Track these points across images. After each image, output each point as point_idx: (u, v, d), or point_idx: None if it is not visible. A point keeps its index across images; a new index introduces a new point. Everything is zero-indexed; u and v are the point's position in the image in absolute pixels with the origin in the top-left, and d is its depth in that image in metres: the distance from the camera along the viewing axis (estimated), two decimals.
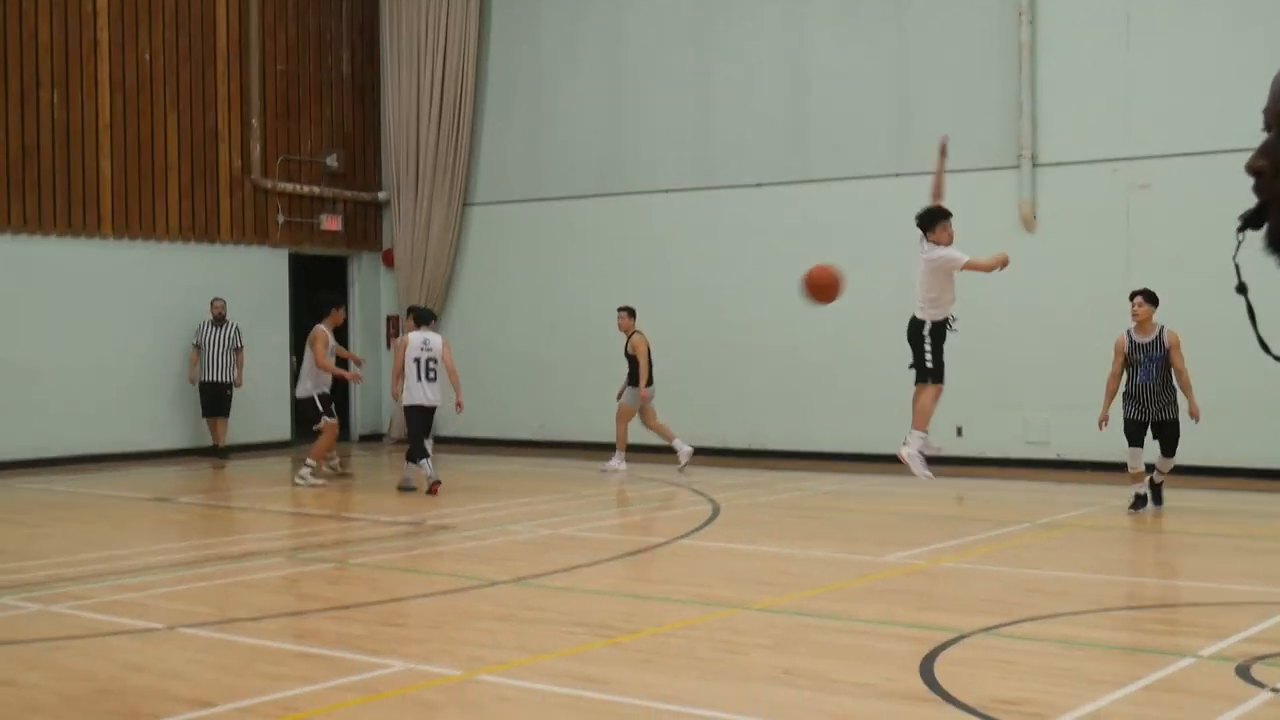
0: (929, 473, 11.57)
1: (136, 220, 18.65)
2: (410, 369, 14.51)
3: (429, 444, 14.66)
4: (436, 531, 11.88)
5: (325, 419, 15.69)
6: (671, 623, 7.98)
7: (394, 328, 21.93)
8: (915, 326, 11.60)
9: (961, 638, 7.43)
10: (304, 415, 16.24)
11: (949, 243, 11.44)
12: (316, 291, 23.66)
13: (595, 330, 19.00)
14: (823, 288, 10.79)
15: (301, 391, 15.91)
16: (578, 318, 19.75)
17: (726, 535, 11.56)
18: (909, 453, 11.47)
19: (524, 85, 20.46)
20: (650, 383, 16.46)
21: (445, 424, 21.05)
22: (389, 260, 21.78)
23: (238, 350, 18.62)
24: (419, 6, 20.79)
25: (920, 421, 11.54)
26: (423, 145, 20.82)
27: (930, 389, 11.55)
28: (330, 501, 14.35)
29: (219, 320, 18.63)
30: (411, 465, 14.59)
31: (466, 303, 21.07)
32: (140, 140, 18.70)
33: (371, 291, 22.03)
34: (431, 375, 14.53)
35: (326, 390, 15.89)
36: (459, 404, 14.95)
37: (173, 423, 18.80)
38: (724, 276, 18.58)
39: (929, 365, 11.53)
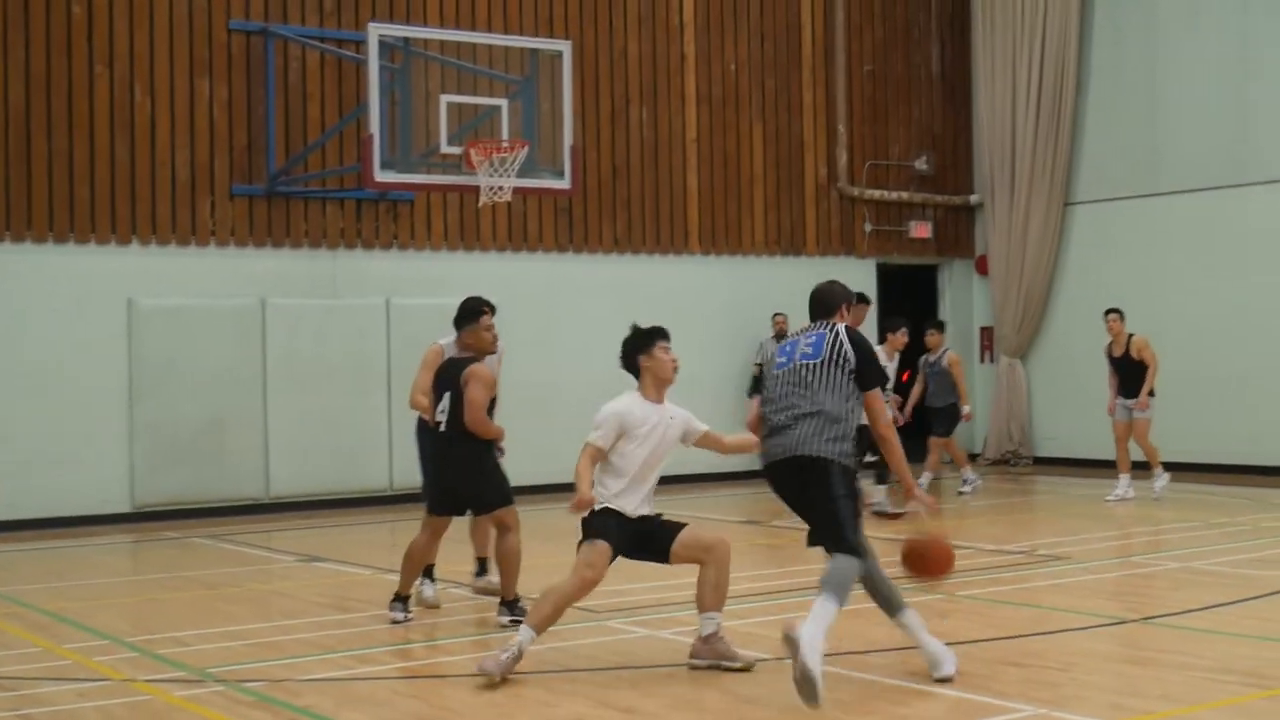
0: None
1: (723, 235, 19.31)
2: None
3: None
4: (1049, 562, 11.51)
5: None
6: None
7: (988, 340, 21.63)
8: None
9: None
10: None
11: None
12: (901, 303, 24.05)
13: (1215, 343, 17.95)
14: (933, 561, 8.86)
15: None
16: (1188, 327, 18.71)
17: None
18: None
19: (1134, 68, 19.63)
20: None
21: (1043, 446, 20.58)
22: (982, 268, 21.49)
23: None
24: None
25: None
26: (1019, 141, 20.41)
27: None
28: (927, 528, 14.20)
29: (779, 337, 18.74)
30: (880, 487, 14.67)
31: (1067, 312, 20.44)
32: (726, 153, 19.36)
33: (964, 302, 21.81)
34: None
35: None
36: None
37: None
38: None
39: None
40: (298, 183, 16.47)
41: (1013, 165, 20.56)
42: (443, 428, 9.02)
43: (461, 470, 9.03)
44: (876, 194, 20.57)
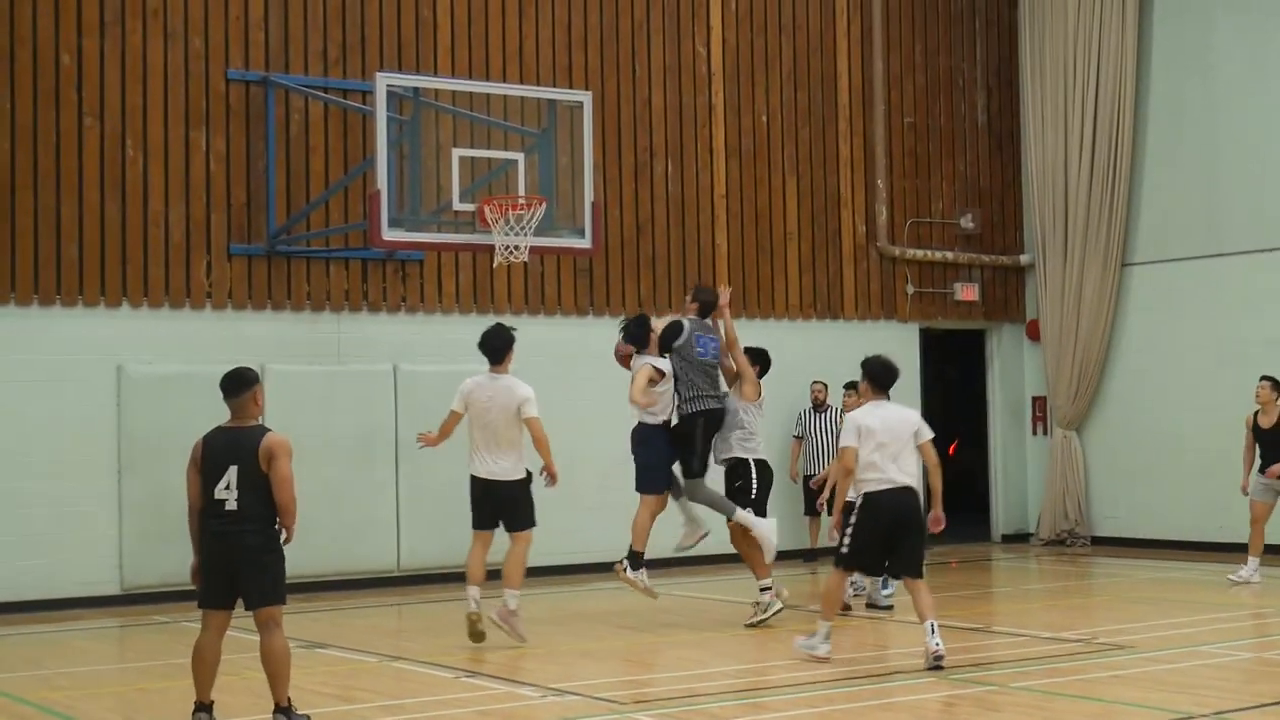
0: None
1: (754, 297, 19.34)
2: None
3: None
4: (1110, 651, 11.43)
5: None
6: None
7: (1040, 410, 21.58)
8: None
9: None
10: None
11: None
12: (947, 370, 24.08)
13: None
14: None
15: None
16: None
17: None
18: None
19: (1195, 120, 19.68)
20: None
21: (1102, 525, 20.47)
22: (1034, 333, 21.47)
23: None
24: (1064, 39, 20.49)
25: None
26: (1072, 198, 20.43)
27: None
28: (975, 612, 14.17)
29: (819, 406, 18.72)
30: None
31: (1125, 381, 20.39)
32: (758, 210, 19.42)
33: (1014, 369, 21.78)
34: None
35: None
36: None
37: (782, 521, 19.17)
38: None
39: None
40: (299, 241, 16.55)
41: (1066, 223, 20.56)
42: None
43: None
44: (919, 254, 20.59)
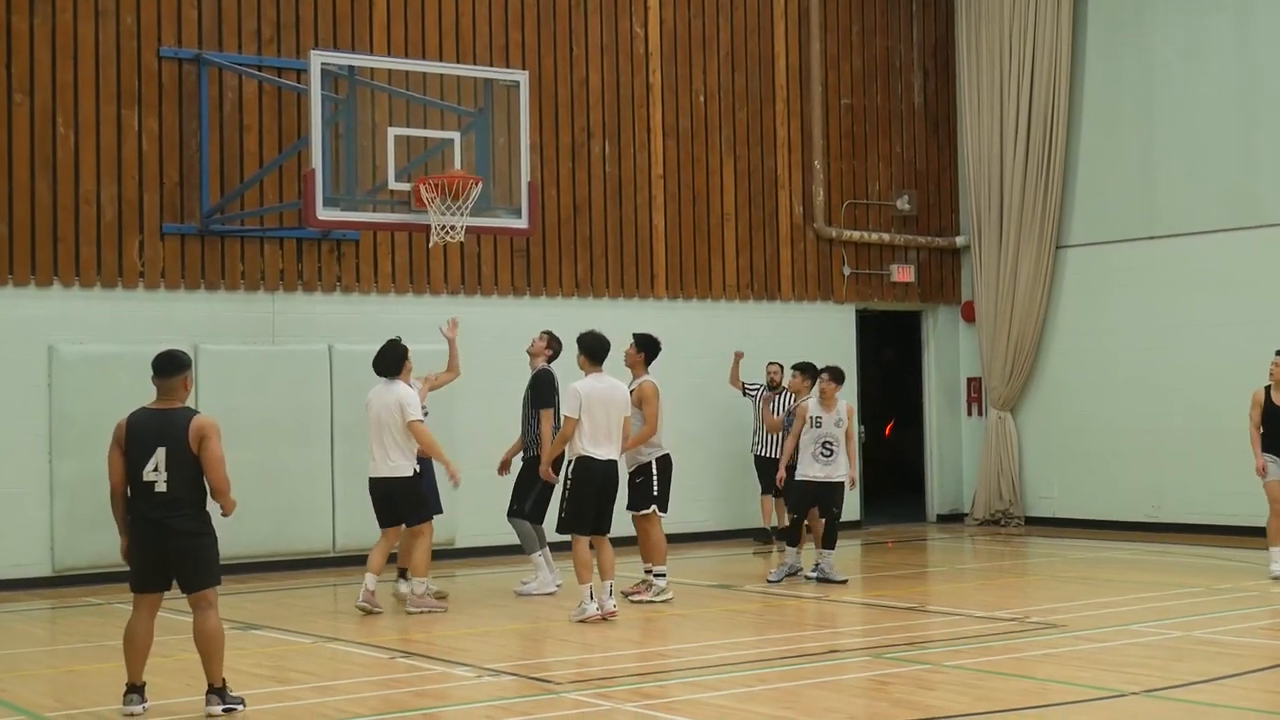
0: None
1: (691, 278, 19.37)
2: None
3: None
4: (1042, 630, 11.54)
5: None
6: None
7: (975, 391, 21.75)
8: None
9: None
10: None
11: None
12: (883, 351, 24.21)
13: (1220, 395, 18.09)
14: None
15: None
16: (1198, 379, 18.85)
17: None
18: None
19: (1129, 103, 19.85)
20: None
21: (1036, 506, 20.66)
22: (969, 314, 21.62)
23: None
24: (1001, 22, 20.62)
25: None
26: (1007, 180, 20.58)
27: None
28: (910, 592, 14.28)
29: (774, 387, 18.27)
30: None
31: (1059, 363, 20.58)
32: (695, 190, 19.45)
33: (950, 350, 21.92)
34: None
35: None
36: None
37: (729, 501, 19.26)
38: None
39: None
40: (233, 221, 16.44)
41: (1001, 205, 20.71)
42: None
43: None
44: (855, 235, 20.68)
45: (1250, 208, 18.60)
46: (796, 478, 14.66)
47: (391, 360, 13.10)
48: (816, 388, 14.68)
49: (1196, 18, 19.27)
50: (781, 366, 18.12)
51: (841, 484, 14.42)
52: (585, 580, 12.05)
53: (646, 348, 13.61)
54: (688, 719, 8.43)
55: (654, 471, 13.35)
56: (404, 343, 13.31)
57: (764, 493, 18.24)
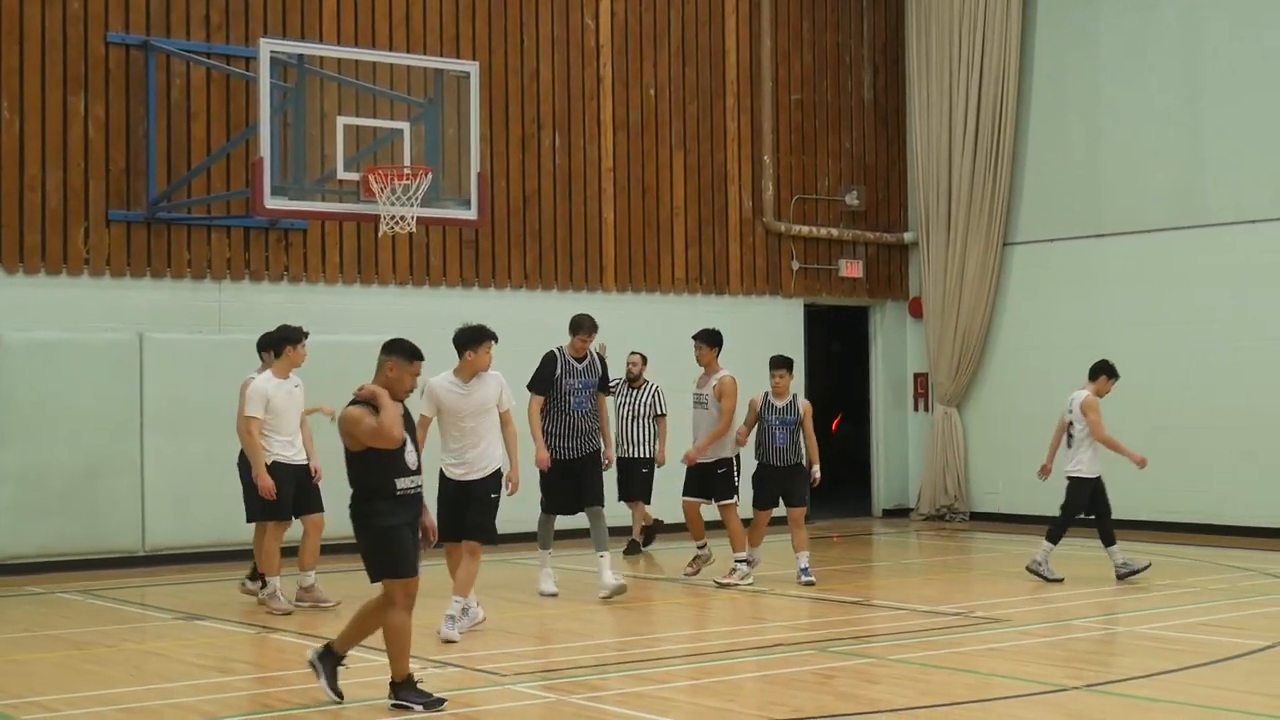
0: None
1: (640, 271, 19.39)
2: None
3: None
4: (986, 624, 11.63)
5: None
6: None
7: (922, 386, 21.85)
8: None
9: None
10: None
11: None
12: (830, 345, 24.29)
13: (1162, 392, 18.25)
14: None
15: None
16: (1142, 376, 18.99)
17: None
18: None
19: (1077, 100, 19.99)
20: None
21: (982, 501, 20.79)
22: (916, 310, 21.72)
23: (659, 418, 16.50)
24: (950, 18, 20.72)
25: None
26: (956, 177, 20.69)
27: None
28: (855, 586, 14.35)
29: (633, 381, 16.70)
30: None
31: (1005, 359, 20.71)
32: (645, 184, 19.46)
33: (897, 345, 22.02)
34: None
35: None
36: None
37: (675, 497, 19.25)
38: None
39: None
40: (180, 209, 16.35)
41: (949, 201, 20.82)
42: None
43: None
44: (804, 230, 20.74)
45: (1195, 207, 18.76)
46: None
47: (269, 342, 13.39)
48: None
49: (1142, 16, 19.39)
50: (643, 357, 16.86)
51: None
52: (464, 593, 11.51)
53: (718, 342, 14.01)
54: (632, 711, 8.45)
55: (735, 464, 13.94)
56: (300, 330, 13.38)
57: (628, 498, 16.75)
